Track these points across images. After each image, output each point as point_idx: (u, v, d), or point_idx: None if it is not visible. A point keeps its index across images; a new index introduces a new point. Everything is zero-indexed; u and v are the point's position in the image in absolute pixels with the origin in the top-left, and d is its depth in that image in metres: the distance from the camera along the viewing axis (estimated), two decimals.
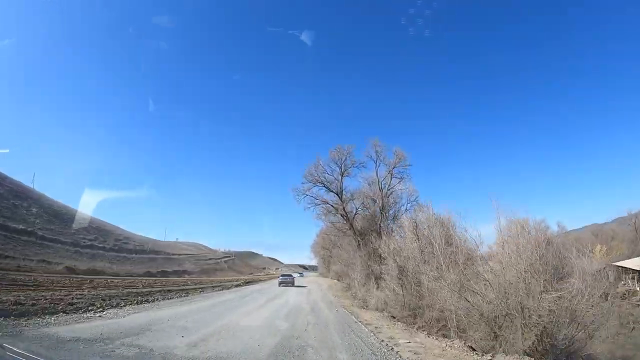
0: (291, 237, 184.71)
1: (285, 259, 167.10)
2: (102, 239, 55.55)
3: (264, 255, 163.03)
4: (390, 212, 25.21)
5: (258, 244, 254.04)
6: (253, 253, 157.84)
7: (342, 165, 26.66)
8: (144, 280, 33.20)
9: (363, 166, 26.82)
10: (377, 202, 25.27)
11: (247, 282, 41.96)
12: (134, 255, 57.75)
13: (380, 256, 20.51)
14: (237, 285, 34.48)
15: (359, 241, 25.00)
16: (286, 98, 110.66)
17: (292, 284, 33.54)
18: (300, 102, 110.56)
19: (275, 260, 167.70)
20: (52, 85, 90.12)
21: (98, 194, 38.28)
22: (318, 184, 26.76)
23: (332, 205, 27.11)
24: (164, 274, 50.71)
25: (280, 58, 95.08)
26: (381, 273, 17.38)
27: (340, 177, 26.72)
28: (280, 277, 35.60)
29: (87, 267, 37.69)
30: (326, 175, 26.66)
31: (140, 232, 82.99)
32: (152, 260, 60.68)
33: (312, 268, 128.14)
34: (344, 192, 26.80)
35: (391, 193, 25.25)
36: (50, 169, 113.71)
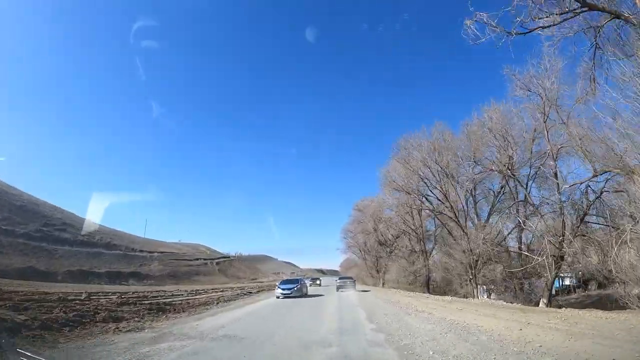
0: (311, 241, 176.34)
1: (302, 264, 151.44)
2: (16, 221, 38.73)
3: (278, 259, 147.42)
4: None
5: (275, 250, 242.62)
6: (266, 256, 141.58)
7: None
8: None
9: None
10: None
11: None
12: (64, 246, 40.37)
13: None
14: None
15: None
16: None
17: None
18: None
19: (291, 264, 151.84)
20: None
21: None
22: None
23: None
24: (81, 275, 32.37)
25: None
26: None
27: None
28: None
29: None
30: None
31: (121, 227, 67.00)
32: (91, 255, 42.85)
33: (332, 273, 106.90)
34: None
35: None
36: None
